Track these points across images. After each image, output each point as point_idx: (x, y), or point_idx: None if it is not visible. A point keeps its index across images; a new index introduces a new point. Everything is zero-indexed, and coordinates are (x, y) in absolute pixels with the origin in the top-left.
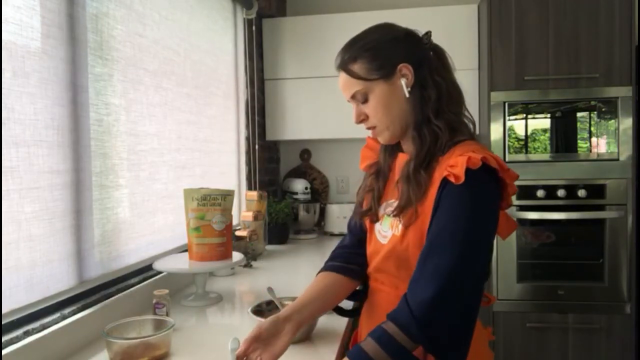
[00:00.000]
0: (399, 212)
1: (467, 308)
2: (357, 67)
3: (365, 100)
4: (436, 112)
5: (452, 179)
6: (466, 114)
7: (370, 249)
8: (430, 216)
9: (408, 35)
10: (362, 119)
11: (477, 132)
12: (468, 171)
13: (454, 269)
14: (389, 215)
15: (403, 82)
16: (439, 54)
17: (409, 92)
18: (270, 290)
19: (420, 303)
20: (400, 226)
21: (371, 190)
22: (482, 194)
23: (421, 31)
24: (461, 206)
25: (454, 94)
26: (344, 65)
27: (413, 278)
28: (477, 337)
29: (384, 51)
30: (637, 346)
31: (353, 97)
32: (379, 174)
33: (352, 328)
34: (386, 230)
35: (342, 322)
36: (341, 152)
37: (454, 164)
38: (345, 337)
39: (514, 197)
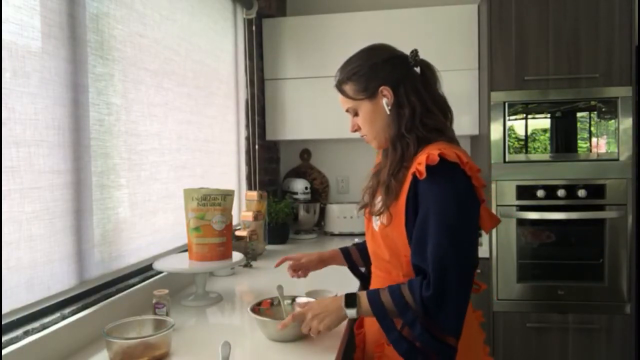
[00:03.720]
0: (377, 213)
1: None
2: (347, 88)
3: (356, 114)
4: (409, 127)
5: (417, 175)
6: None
7: (368, 236)
8: (405, 206)
9: (390, 59)
10: (355, 129)
11: (477, 132)
12: (430, 167)
13: (441, 256)
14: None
15: (384, 101)
16: (425, 70)
17: (389, 110)
18: (279, 288)
19: (425, 299)
20: (384, 219)
21: (370, 187)
22: (447, 184)
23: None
24: (435, 203)
25: (432, 108)
26: (338, 86)
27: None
28: (469, 318)
29: (367, 76)
30: (637, 346)
31: (347, 111)
32: (378, 173)
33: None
34: (377, 221)
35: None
36: (341, 152)
37: (421, 162)
38: (346, 337)
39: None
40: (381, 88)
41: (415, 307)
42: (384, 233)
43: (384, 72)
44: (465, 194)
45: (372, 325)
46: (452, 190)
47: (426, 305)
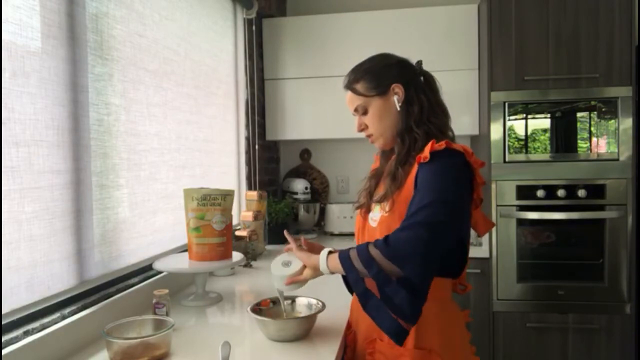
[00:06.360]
0: (380, 200)
1: (429, 243)
2: (359, 87)
3: (365, 112)
4: (417, 122)
5: (421, 160)
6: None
7: (363, 236)
8: (412, 195)
9: (400, 62)
10: (362, 128)
11: (477, 132)
12: (434, 152)
13: (426, 208)
14: (377, 203)
15: (395, 98)
16: (428, 79)
17: (399, 107)
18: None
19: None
20: (387, 207)
21: (367, 188)
22: (449, 164)
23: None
24: (432, 174)
25: (437, 110)
26: (349, 85)
27: None
28: (455, 318)
29: (380, 74)
30: (637, 346)
31: (356, 110)
32: (375, 175)
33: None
34: (376, 215)
35: (341, 321)
36: (341, 152)
37: (425, 151)
38: (345, 336)
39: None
40: (393, 85)
41: (374, 251)
42: (385, 224)
43: (396, 71)
44: (462, 173)
45: (362, 322)
46: (450, 166)
47: (387, 237)
